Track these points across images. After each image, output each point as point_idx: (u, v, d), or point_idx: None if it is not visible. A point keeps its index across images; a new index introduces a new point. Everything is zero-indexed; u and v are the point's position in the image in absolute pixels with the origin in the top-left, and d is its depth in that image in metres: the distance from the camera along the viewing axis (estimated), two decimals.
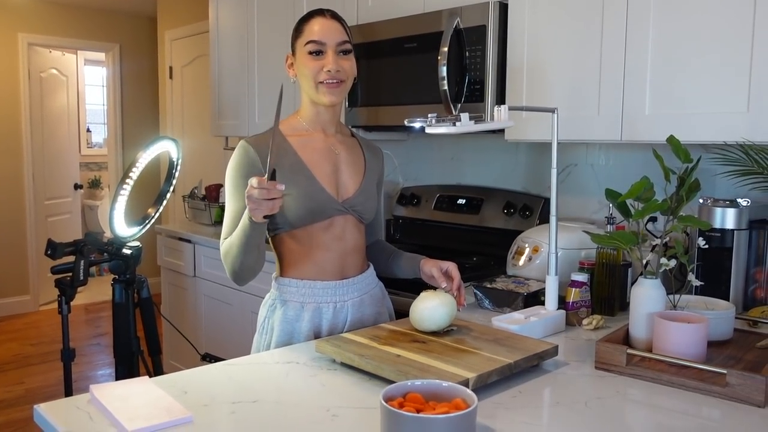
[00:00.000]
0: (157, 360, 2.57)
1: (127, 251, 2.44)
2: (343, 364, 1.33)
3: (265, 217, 1.34)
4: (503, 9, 2.07)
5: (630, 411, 1.16)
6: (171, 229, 3.49)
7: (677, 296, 1.49)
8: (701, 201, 1.76)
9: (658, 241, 1.45)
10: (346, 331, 1.55)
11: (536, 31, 2.00)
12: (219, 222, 3.45)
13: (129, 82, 5.95)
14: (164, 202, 2.62)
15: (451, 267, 1.60)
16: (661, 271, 1.41)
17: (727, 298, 1.69)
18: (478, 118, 1.53)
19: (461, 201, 2.62)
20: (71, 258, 2.32)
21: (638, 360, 1.32)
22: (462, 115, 1.50)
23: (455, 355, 1.29)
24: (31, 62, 5.42)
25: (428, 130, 1.52)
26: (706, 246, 1.57)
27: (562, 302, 1.67)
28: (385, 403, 0.95)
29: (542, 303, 1.68)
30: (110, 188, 6.39)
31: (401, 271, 1.72)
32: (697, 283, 1.51)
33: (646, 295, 1.40)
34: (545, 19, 1.98)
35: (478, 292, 1.84)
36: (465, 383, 1.14)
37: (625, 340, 1.43)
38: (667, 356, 1.29)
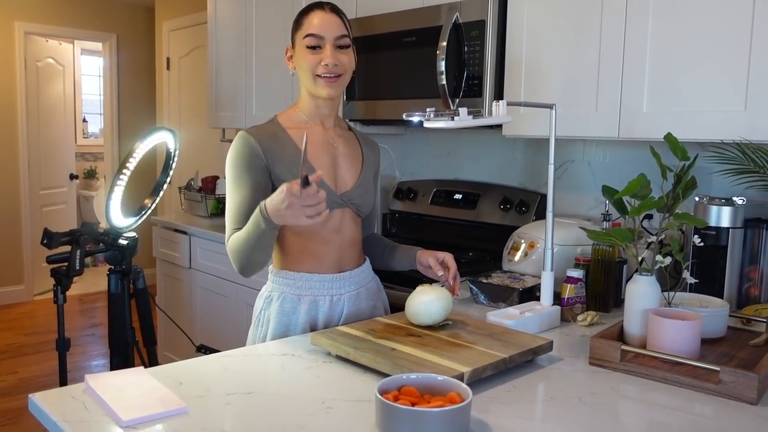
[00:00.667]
0: (152, 351, 2.57)
1: (123, 242, 2.44)
2: (339, 357, 1.34)
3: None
4: (503, 4, 2.07)
5: (623, 407, 1.16)
6: (167, 221, 3.48)
7: (672, 293, 1.50)
8: (697, 199, 1.77)
9: (653, 239, 1.45)
10: (341, 325, 1.55)
11: (535, 27, 2.01)
12: (215, 214, 3.44)
13: (126, 72, 5.92)
14: (161, 193, 2.61)
15: (448, 257, 1.61)
16: (656, 268, 1.42)
17: (721, 296, 1.70)
18: (476, 113, 1.53)
19: (458, 196, 2.62)
20: (67, 248, 2.32)
21: (632, 356, 1.33)
22: (460, 109, 1.51)
23: (450, 350, 1.29)
24: (27, 51, 5.38)
25: (426, 125, 1.52)
26: (702, 244, 1.58)
27: (557, 298, 1.68)
28: (380, 396, 0.96)
29: (537, 299, 1.69)
30: (106, 179, 6.37)
31: (397, 263, 1.73)
32: (691, 280, 1.52)
33: (641, 292, 1.40)
34: (545, 15, 1.98)
35: (474, 287, 1.85)
36: (460, 377, 1.14)
37: (620, 336, 1.44)
38: (661, 353, 1.29)
